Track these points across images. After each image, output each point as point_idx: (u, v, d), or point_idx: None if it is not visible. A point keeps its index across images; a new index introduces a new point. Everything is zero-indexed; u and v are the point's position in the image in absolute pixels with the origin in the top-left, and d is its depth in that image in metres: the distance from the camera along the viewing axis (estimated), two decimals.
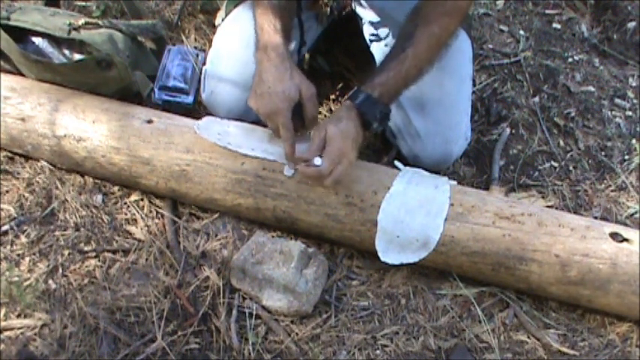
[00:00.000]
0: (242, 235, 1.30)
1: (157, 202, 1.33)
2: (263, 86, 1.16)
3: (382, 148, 1.42)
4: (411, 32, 1.17)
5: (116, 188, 1.36)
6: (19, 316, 1.15)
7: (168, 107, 1.43)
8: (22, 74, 1.41)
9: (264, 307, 1.18)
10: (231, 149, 1.21)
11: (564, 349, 1.16)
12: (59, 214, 1.30)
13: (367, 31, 1.40)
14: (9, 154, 1.39)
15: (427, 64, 1.19)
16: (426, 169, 1.25)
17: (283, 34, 1.20)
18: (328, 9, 1.38)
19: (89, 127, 1.29)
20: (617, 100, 1.67)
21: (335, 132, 1.12)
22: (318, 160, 1.12)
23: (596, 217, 1.38)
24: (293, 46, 1.38)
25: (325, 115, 1.53)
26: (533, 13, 1.88)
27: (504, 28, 1.82)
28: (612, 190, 1.46)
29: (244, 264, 1.18)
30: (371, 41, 1.40)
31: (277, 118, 1.15)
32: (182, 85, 1.45)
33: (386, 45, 1.37)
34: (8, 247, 1.25)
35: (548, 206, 1.37)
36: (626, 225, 1.30)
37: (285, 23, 1.21)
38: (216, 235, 1.29)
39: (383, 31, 1.37)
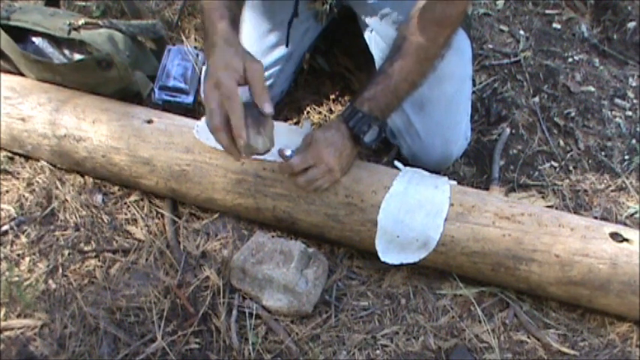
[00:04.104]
0: (242, 235, 1.30)
1: (157, 202, 1.33)
2: (207, 71, 1.06)
3: (382, 148, 1.42)
4: (399, 45, 1.16)
5: (116, 188, 1.36)
6: (19, 316, 1.15)
7: (169, 107, 1.43)
8: (22, 74, 1.41)
9: (264, 307, 1.18)
10: None
11: (564, 349, 1.16)
12: (59, 214, 1.30)
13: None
14: (9, 154, 1.39)
15: (419, 77, 1.17)
16: (426, 169, 1.25)
17: (230, 23, 1.09)
18: (327, 7, 1.38)
19: (89, 127, 1.29)
20: (617, 100, 1.67)
21: (319, 136, 1.14)
22: (287, 151, 1.13)
23: (596, 217, 1.37)
24: (285, 51, 1.38)
25: (325, 115, 1.54)
26: (533, 13, 1.88)
27: (504, 28, 1.82)
28: (612, 190, 1.46)
29: (244, 264, 1.18)
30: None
31: (220, 87, 1.01)
32: (182, 85, 1.45)
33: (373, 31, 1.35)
34: (8, 247, 1.25)
35: (548, 206, 1.36)
36: (626, 225, 1.30)
37: (235, 13, 1.13)
38: (216, 235, 1.29)
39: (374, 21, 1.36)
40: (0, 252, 1.23)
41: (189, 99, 1.45)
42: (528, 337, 1.18)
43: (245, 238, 1.28)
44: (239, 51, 1.04)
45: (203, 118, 1.28)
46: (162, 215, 1.31)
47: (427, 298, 1.23)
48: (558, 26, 1.86)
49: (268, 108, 1.03)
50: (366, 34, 1.41)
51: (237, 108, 1.00)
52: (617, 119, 1.62)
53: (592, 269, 1.12)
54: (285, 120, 1.51)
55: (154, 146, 1.26)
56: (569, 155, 1.52)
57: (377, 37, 1.37)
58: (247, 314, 1.17)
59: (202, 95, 1.39)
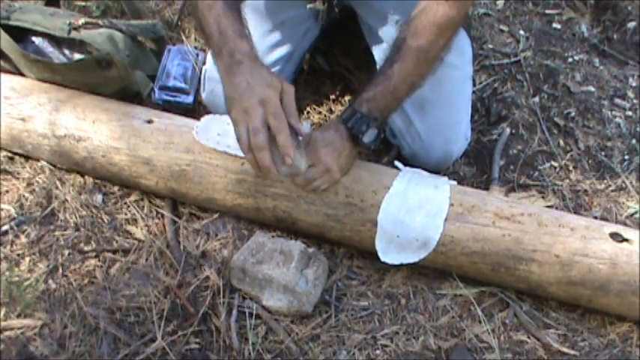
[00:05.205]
0: (242, 235, 1.30)
1: (157, 202, 1.33)
2: (239, 87, 1.02)
3: (382, 148, 1.42)
4: (399, 46, 1.15)
5: (116, 188, 1.36)
6: (19, 316, 1.15)
7: (169, 107, 1.43)
8: (22, 74, 1.41)
9: (264, 307, 1.18)
10: (231, 153, 1.21)
11: (564, 349, 1.17)
12: (59, 214, 1.30)
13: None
14: (9, 154, 1.39)
15: (418, 79, 1.17)
16: (426, 169, 1.25)
17: (251, 42, 1.08)
18: (327, 6, 1.38)
19: (89, 127, 1.29)
20: (617, 100, 1.67)
21: (318, 137, 1.14)
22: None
23: (596, 217, 1.38)
24: (285, 51, 1.38)
25: (325, 115, 1.54)
26: (533, 13, 1.88)
27: (504, 28, 1.82)
28: (612, 190, 1.46)
29: (244, 264, 1.18)
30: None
31: (267, 106, 0.99)
32: (182, 85, 1.45)
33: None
34: (8, 247, 1.25)
35: (548, 206, 1.37)
36: (626, 225, 1.30)
37: (246, 27, 1.11)
38: (216, 235, 1.29)
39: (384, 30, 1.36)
40: (0, 252, 1.23)
41: (189, 99, 1.45)
42: (528, 337, 1.19)
43: (245, 238, 1.28)
44: (271, 72, 1.04)
45: (203, 119, 1.28)
46: (163, 215, 1.31)
47: (427, 298, 1.23)
48: (558, 26, 1.86)
49: (303, 127, 1.04)
50: (367, 34, 1.41)
51: (285, 127, 0.99)
52: (617, 119, 1.62)
53: (592, 269, 1.12)
54: None
55: (154, 146, 1.25)
56: (569, 155, 1.52)
57: (378, 37, 1.37)
58: (247, 314, 1.17)
59: (203, 96, 1.41)
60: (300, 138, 1.08)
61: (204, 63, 1.44)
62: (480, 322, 1.19)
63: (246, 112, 1.00)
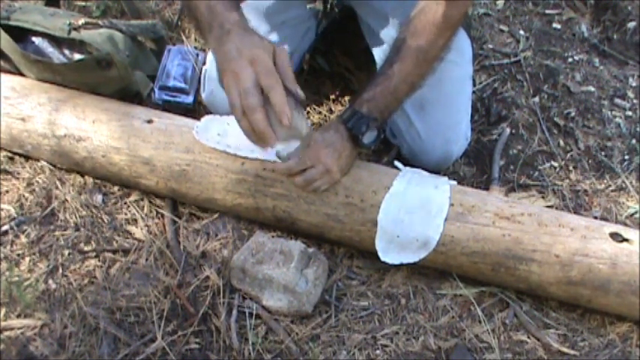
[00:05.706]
0: (242, 235, 1.30)
1: (157, 202, 1.33)
2: (228, 54, 0.94)
3: (382, 148, 1.42)
4: (399, 47, 1.15)
5: (116, 188, 1.36)
6: (19, 316, 1.15)
7: (168, 107, 1.43)
8: (22, 74, 1.41)
9: (264, 307, 1.18)
10: (231, 152, 1.21)
11: (564, 349, 1.17)
12: (59, 214, 1.30)
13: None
14: (9, 154, 1.39)
15: (418, 79, 1.17)
16: (426, 169, 1.25)
17: (241, 13, 1.02)
18: (328, 5, 1.38)
19: (89, 127, 1.29)
20: (617, 100, 1.67)
21: (318, 137, 1.14)
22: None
23: (596, 217, 1.38)
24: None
25: (325, 115, 1.54)
26: (533, 13, 1.88)
27: (504, 28, 1.82)
28: (612, 190, 1.46)
29: (244, 264, 1.18)
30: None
31: (256, 65, 0.92)
32: (182, 85, 1.45)
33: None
34: (8, 247, 1.25)
35: (548, 206, 1.37)
36: (626, 225, 1.30)
37: (239, 5, 1.06)
38: (216, 235, 1.29)
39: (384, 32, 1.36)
40: (0, 252, 1.23)
41: (189, 99, 1.45)
42: (528, 337, 1.19)
43: (245, 238, 1.28)
44: (263, 36, 0.97)
45: (203, 119, 1.28)
46: (163, 215, 1.31)
47: (427, 298, 1.23)
48: (558, 26, 1.86)
49: (301, 92, 0.96)
50: (367, 34, 1.41)
51: (279, 84, 0.91)
52: (617, 119, 1.62)
53: (592, 269, 1.12)
54: None
55: (154, 146, 1.25)
56: (569, 155, 1.52)
57: (378, 37, 1.37)
58: (247, 314, 1.17)
59: (203, 96, 1.41)
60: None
61: (204, 63, 1.44)
62: (480, 322, 1.19)
63: (236, 74, 0.92)
